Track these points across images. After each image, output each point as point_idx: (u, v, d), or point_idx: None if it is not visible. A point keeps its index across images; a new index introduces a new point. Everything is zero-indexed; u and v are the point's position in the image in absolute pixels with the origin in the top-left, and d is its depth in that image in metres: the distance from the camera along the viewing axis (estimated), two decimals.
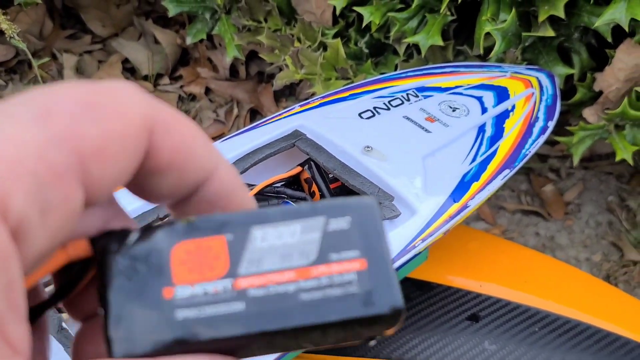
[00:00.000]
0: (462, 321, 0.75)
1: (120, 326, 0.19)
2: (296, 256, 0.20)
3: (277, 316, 0.19)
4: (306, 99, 1.41)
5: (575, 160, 0.99)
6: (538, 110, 0.83)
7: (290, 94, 1.39)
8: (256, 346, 0.19)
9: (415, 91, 0.83)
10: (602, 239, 1.13)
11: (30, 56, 1.11)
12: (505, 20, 0.90)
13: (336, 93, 0.83)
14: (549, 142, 1.21)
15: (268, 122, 0.78)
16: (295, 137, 0.74)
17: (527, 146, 0.77)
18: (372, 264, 0.20)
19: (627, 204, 1.16)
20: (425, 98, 0.82)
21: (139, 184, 0.20)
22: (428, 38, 0.96)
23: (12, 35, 1.11)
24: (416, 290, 0.79)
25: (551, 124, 0.82)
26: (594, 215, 1.16)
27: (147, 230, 0.20)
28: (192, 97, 1.39)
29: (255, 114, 1.37)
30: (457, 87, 0.85)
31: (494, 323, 0.75)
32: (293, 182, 0.77)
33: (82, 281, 0.21)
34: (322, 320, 0.19)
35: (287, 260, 0.19)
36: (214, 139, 1.31)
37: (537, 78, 0.89)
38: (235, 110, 1.34)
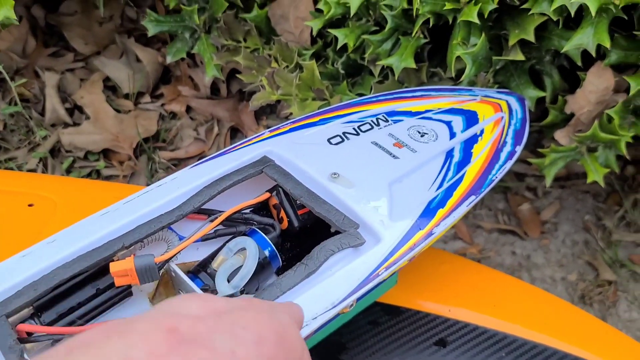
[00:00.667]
0: (430, 346, 0.76)
1: None
2: None
3: None
4: (287, 118, 1.42)
5: (548, 181, 1.00)
6: (506, 134, 0.84)
7: (271, 111, 1.40)
8: None
9: (386, 116, 0.84)
10: (578, 258, 1.14)
11: (7, 77, 1.12)
12: (475, 45, 0.91)
13: (307, 118, 0.84)
14: (526, 162, 1.22)
15: (238, 147, 0.78)
16: (264, 164, 0.75)
17: (493, 172, 0.78)
18: None
19: (603, 222, 1.17)
20: (394, 123, 0.83)
21: None
22: (401, 60, 0.97)
23: None
24: (384, 315, 0.79)
25: (519, 149, 0.82)
26: (570, 234, 1.17)
27: None
28: (173, 115, 1.40)
29: (236, 132, 1.38)
30: (426, 111, 0.85)
31: (462, 348, 0.76)
32: (262, 207, 0.78)
33: None
34: None
35: None
36: (194, 157, 1.32)
37: (507, 102, 0.90)
38: (216, 129, 1.35)
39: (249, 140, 0.80)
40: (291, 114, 1.11)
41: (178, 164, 1.32)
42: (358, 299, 0.65)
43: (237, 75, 1.20)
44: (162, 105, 1.40)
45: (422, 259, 0.83)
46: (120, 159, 1.31)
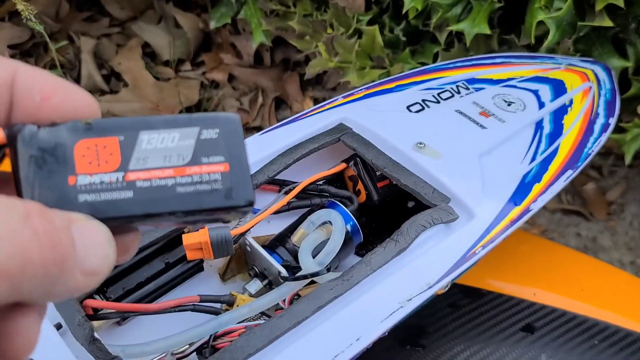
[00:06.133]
0: (517, 332, 0.70)
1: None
2: (174, 158, 0.25)
3: (159, 203, 0.25)
4: (333, 89, 1.35)
5: (628, 158, 0.93)
6: (597, 105, 0.77)
7: (316, 82, 1.33)
8: (143, 224, 0.25)
9: (466, 83, 0.78)
10: None
11: (47, 39, 1.06)
12: (560, 9, 0.84)
13: (381, 84, 0.77)
14: None
15: (309, 114, 0.72)
16: (341, 132, 0.69)
17: (589, 145, 0.72)
18: (233, 168, 0.26)
19: None
20: (476, 91, 0.77)
21: None
22: (474, 26, 0.91)
23: (28, 17, 1.06)
24: (465, 298, 0.74)
25: (612, 121, 0.76)
26: (638, 216, 1.10)
27: (53, 127, 0.24)
28: (215, 85, 1.33)
29: (280, 103, 1.31)
30: (510, 79, 0.79)
31: (551, 335, 0.70)
32: (336, 179, 0.72)
33: None
34: (194, 208, 0.25)
35: (167, 160, 0.25)
36: None
37: (593, 71, 0.83)
38: (260, 99, 1.29)
39: (321, 106, 0.74)
40: (347, 82, 1.05)
41: None
42: (452, 280, 0.59)
43: (291, 42, 1.13)
44: (204, 73, 1.33)
45: None
46: None
